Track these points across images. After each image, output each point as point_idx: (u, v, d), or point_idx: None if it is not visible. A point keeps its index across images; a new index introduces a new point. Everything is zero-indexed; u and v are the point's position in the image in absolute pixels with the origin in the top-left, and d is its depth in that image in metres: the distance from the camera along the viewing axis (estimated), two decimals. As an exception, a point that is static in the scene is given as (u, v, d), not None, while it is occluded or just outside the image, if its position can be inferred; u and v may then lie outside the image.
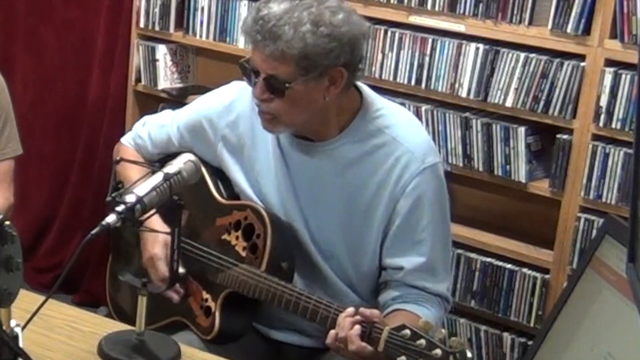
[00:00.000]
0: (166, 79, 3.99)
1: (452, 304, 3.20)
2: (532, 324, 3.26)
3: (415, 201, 2.40)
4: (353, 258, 2.46)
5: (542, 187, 3.24)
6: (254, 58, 2.34)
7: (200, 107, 2.63)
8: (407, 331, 2.07)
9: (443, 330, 2.06)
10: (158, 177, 2.14)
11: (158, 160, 2.64)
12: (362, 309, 2.18)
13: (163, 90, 3.98)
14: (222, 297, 2.44)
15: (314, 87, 2.32)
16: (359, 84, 2.48)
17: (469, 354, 2.01)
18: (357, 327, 2.15)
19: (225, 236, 2.49)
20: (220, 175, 2.59)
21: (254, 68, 2.34)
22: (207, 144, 2.57)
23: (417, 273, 2.42)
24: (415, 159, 2.39)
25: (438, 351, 2.02)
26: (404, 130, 2.44)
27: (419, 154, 2.40)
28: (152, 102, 4.01)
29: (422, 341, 2.05)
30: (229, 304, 2.43)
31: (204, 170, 2.52)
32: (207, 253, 2.49)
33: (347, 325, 2.16)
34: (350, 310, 2.19)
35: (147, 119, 2.75)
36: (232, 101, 2.55)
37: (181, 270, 2.44)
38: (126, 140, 2.73)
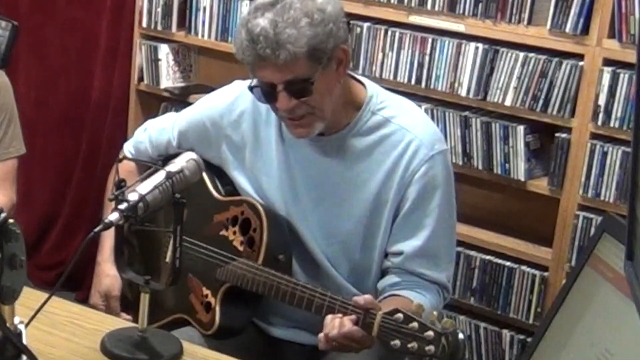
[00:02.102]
0: (168, 78, 4.00)
1: (452, 302, 3.24)
2: (531, 321, 3.27)
3: (423, 187, 2.42)
4: (364, 248, 2.48)
5: (541, 185, 3.26)
6: (264, 75, 2.34)
7: (202, 108, 2.64)
8: (400, 315, 2.09)
9: (435, 312, 2.08)
10: (160, 176, 2.15)
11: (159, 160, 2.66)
12: (355, 298, 2.20)
13: (165, 90, 4.00)
14: (221, 292, 2.45)
15: (329, 73, 2.35)
16: (363, 78, 2.52)
17: (460, 335, 2.03)
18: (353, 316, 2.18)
19: (223, 232, 2.51)
20: (218, 172, 2.61)
21: (267, 85, 2.35)
22: (209, 144, 2.59)
23: (417, 258, 2.43)
24: (424, 146, 2.42)
25: (430, 333, 2.04)
26: (410, 118, 2.47)
27: (427, 140, 2.43)
28: (154, 101, 4.03)
29: (415, 324, 2.06)
30: (228, 299, 2.45)
31: (201, 168, 2.56)
32: (206, 249, 2.51)
33: (336, 325, 2.18)
34: (338, 315, 2.21)
35: (148, 124, 2.76)
36: (234, 100, 2.56)
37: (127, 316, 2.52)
38: (127, 148, 2.75)
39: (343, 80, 2.41)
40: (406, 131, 2.43)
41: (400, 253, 2.44)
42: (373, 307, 2.17)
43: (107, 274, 2.56)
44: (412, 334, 2.07)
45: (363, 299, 2.19)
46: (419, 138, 2.42)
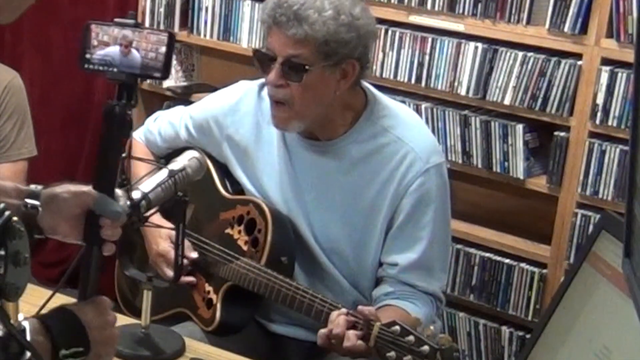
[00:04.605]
0: (171, 78, 4.02)
1: (452, 299, 3.25)
2: (530, 318, 3.29)
3: (417, 200, 2.43)
4: (357, 256, 2.49)
5: (539, 183, 3.27)
6: (271, 42, 2.37)
7: (207, 106, 2.66)
8: (397, 327, 2.11)
9: (432, 327, 2.11)
10: (163, 174, 2.16)
11: (165, 155, 2.68)
12: (360, 308, 2.21)
13: (168, 89, 4.01)
14: (223, 290, 2.47)
15: (328, 77, 2.36)
16: (365, 84, 2.52)
17: (455, 352, 2.06)
18: (354, 326, 2.20)
19: (228, 230, 2.52)
20: (227, 170, 2.62)
21: (270, 53, 2.37)
22: (213, 142, 2.61)
23: (412, 270, 2.45)
24: (419, 159, 2.42)
25: (426, 347, 2.07)
26: (408, 130, 2.47)
27: (423, 153, 2.43)
28: (157, 100, 4.05)
29: (411, 337, 2.09)
30: (230, 297, 2.47)
31: (210, 165, 2.56)
32: (211, 246, 2.53)
33: (341, 323, 2.20)
34: (344, 310, 2.24)
35: (158, 114, 2.79)
36: (238, 100, 2.58)
37: (194, 254, 2.49)
38: (138, 135, 2.77)
39: (344, 87, 2.41)
40: (403, 143, 2.44)
41: (395, 264, 2.46)
42: (374, 317, 2.19)
43: (160, 236, 2.55)
44: (408, 347, 2.09)
45: (368, 309, 2.21)
46: (415, 150, 2.43)
